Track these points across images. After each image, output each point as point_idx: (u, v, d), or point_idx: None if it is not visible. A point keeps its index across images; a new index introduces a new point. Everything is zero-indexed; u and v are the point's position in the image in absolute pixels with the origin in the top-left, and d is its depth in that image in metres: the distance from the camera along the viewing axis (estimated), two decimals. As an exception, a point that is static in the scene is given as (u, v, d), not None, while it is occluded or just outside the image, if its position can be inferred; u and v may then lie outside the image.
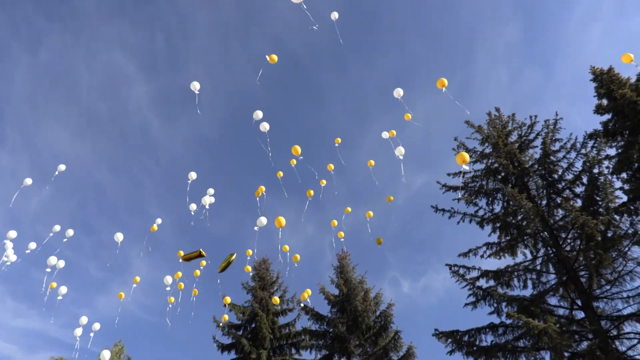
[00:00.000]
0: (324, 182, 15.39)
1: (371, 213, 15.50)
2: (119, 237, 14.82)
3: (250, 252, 14.99)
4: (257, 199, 13.33)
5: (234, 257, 13.93)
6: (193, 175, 15.28)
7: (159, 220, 15.85)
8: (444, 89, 12.59)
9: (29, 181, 14.30)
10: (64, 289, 14.56)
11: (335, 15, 13.25)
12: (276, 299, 18.85)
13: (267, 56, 12.55)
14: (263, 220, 12.79)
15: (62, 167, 15.01)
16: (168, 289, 14.90)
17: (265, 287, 23.52)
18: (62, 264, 14.36)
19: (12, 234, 14.15)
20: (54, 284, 14.47)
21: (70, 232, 15.00)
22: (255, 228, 13.01)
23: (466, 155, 10.92)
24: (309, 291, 15.42)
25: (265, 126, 13.41)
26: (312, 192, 14.94)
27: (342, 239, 15.89)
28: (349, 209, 15.73)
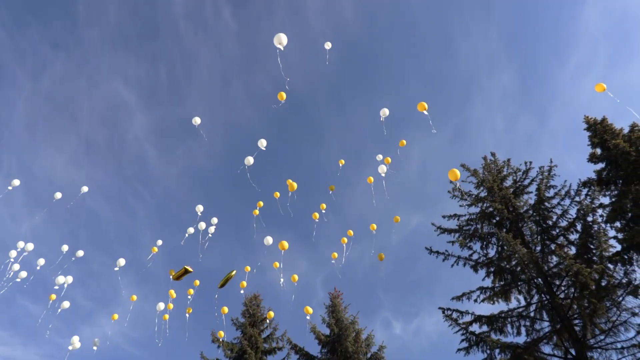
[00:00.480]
0: (324, 206, 15.57)
1: (374, 226, 15.72)
2: (121, 262, 14.85)
3: (248, 268, 15.06)
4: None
5: (233, 273, 13.88)
6: (200, 208, 15.52)
7: (159, 242, 15.89)
8: (425, 111, 12.93)
9: (16, 182, 14.34)
10: (66, 304, 14.48)
11: (328, 44, 13.86)
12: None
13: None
14: (269, 239, 13.11)
15: (58, 195, 15.08)
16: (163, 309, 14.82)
17: (255, 323, 23.06)
18: (70, 279, 14.32)
19: (30, 246, 14.16)
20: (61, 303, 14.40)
21: (81, 252, 15.14)
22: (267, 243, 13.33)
23: (457, 172, 11.16)
24: (309, 309, 15.18)
25: (249, 160, 13.78)
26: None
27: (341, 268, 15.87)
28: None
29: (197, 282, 15.53)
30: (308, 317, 15.13)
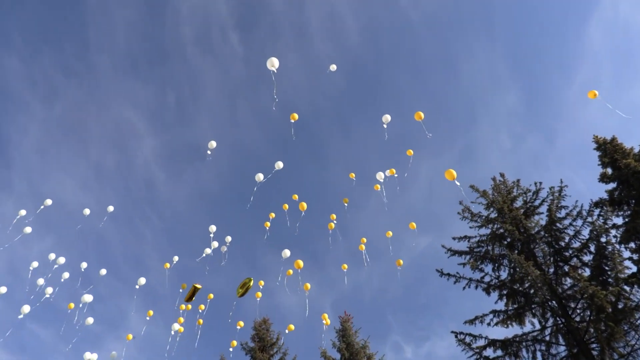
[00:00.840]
0: (334, 216, 15.55)
1: (390, 233, 15.60)
2: (142, 281, 14.88)
3: (262, 283, 15.01)
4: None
5: (251, 282, 13.79)
6: (213, 228, 15.61)
7: (175, 258, 15.90)
8: (421, 120, 13.08)
9: (49, 201, 14.53)
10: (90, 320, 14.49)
11: (333, 67, 14.20)
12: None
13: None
14: (287, 252, 13.21)
15: (87, 211, 15.32)
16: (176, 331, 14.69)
17: (264, 348, 22.70)
18: (89, 298, 14.31)
19: (61, 259, 14.21)
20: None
21: (104, 271, 15.28)
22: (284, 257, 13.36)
23: (454, 172, 11.16)
24: (327, 318, 15.02)
25: (259, 177, 13.95)
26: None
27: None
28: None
29: (211, 295, 15.45)
30: (325, 327, 14.96)
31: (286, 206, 15.29)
